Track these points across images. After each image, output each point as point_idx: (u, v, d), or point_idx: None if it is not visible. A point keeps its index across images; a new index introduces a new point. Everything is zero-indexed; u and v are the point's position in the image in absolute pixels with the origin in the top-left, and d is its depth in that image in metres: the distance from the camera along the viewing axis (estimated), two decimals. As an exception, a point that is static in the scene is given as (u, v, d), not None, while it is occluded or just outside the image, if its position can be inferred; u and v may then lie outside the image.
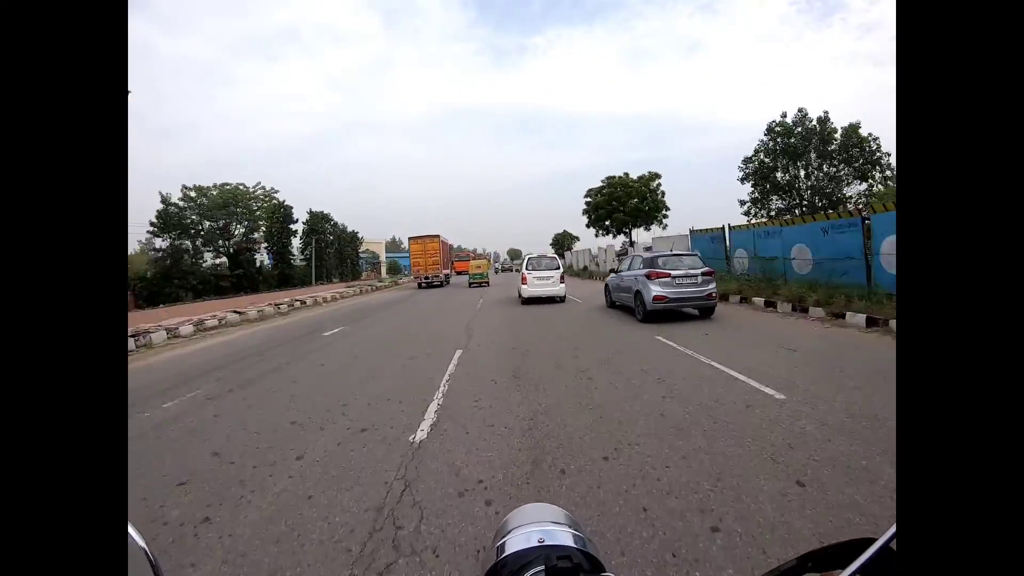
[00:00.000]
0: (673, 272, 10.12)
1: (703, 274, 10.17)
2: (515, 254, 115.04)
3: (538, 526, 0.59)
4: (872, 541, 0.44)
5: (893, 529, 0.43)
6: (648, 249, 20.71)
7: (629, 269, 11.74)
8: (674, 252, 11.51)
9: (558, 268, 15.86)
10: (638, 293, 10.55)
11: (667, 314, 10.28)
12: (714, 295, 10.21)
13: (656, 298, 9.95)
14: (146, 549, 0.48)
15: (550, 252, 23.89)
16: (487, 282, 29.06)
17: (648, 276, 10.28)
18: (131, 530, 0.48)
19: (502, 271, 61.72)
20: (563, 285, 15.45)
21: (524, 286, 15.20)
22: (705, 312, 10.42)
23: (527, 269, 15.70)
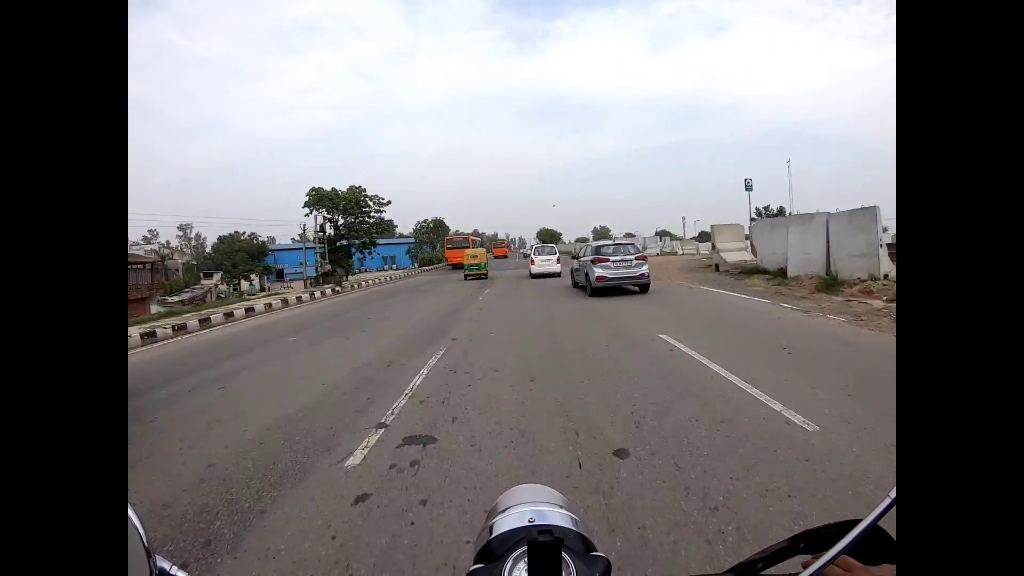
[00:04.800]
0: (612, 258, 11.74)
1: (636, 258, 11.73)
2: (550, 236, 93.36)
3: (530, 506, 0.57)
4: (859, 522, 0.42)
5: (880, 509, 0.42)
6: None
7: (584, 256, 13.24)
8: (615, 242, 13.27)
9: (555, 254, 21.47)
10: (587, 275, 12.08)
11: (611, 290, 11.74)
12: (645, 275, 11.63)
13: (599, 278, 11.48)
14: (142, 534, 0.45)
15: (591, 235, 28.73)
16: (485, 273, 22.63)
17: (593, 261, 11.78)
18: (130, 512, 0.45)
19: (525, 258, 43.34)
20: (559, 265, 20.30)
21: (532, 266, 20.81)
22: (642, 288, 11.96)
23: (534, 254, 21.96)
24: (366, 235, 34.30)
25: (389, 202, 34.85)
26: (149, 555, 0.46)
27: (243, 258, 39.15)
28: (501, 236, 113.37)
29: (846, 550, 0.42)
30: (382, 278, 29.74)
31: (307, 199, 32.46)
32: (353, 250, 33.59)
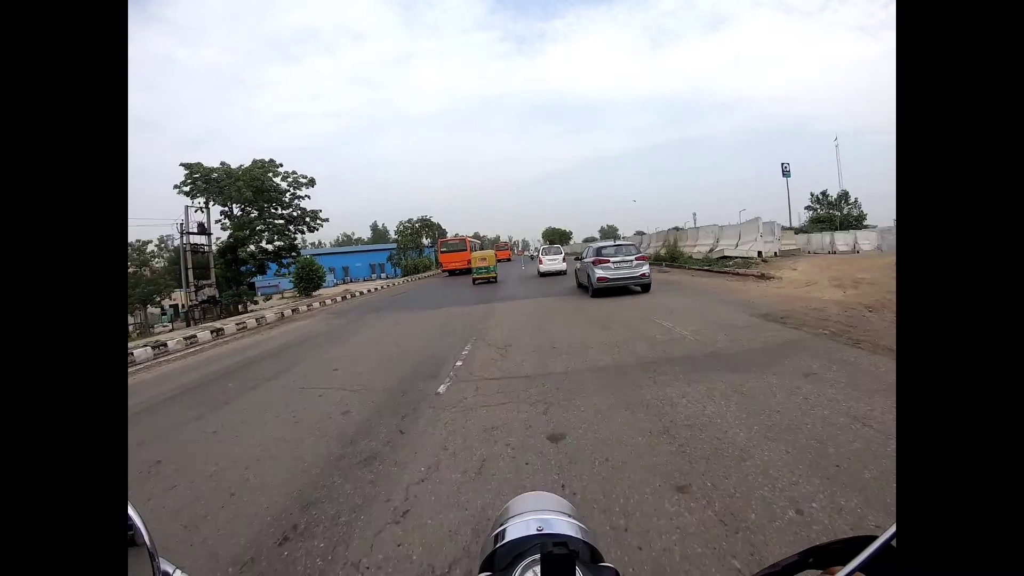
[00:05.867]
0: (612, 259, 11.74)
1: (637, 259, 11.77)
2: (560, 235, 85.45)
3: (537, 514, 0.55)
4: (875, 538, 0.41)
5: (895, 527, 0.40)
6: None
7: (586, 258, 13.15)
8: (615, 243, 13.26)
9: (561, 253, 23.46)
10: (588, 276, 12.10)
11: (613, 290, 11.66)
12: (646, 275, 11.69)
13: (600, 279, 11.51)
14: (144, 532, 0.45)
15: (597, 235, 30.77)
16: (495, 276, 20.84)
17: (594, 263, 11.81)
18: (131, 511, 0.44)
19: (532, 259, 41.42)
20: (565, 264, 22.08)
21: (541, 265, 22.17)
22: (643, 288, 11.93)
23: (542, 254, 23.55)
24: (281, 236, 21.74)
25: (312, 181, 22.07)
26: (153, 558, 0.46)
27: (140, 276, 26.49)
28: (504, 239, 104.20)
29: (861, 567, 0.41)
30: (326, 299, 19.49)
31: (181, 183, 19.34)
32: (285, 259, 22.22)
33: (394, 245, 49.67)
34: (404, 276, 37.62)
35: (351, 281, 39.95)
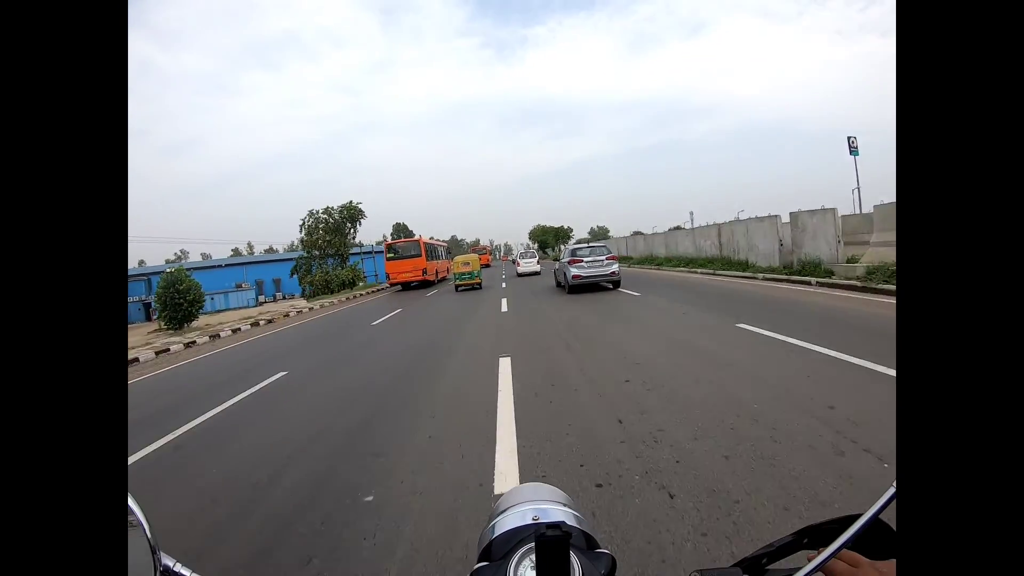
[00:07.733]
0: (586, 259, 12.82)
1: (607, 259, 12.81)
2: (552, 233, 79.38)
3: (533, 504, 0.55)
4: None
5: (880, 502, 0.41)
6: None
7: (563, 258, 14.47)
8: (589, 245, 14.24)
9: (535, 258, 27.35)
10: (565, 275, 13.25)
11: (587, 287, 12.80)
12: (616, 273, 12.78)
13: (574, 276, 12.57)
14: (146, 526, 0.44)
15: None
16: (479, 282, 19.35)
17: (570, 262, 12.94)
18: (132, 503, 0.44)
19: (513, 263, 36.61)
20: (539, 266, 25.92)
21: (518, 268, 25.68)
22: (614, 284, 13.00)
23: (519, 258, 27.36)
24: None
25: None
26: (154, 552, 0.45)
27: None
28: (484, 242, 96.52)
29: (848, 544, 0.41)
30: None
31: None
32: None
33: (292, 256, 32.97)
34: (313, 299, 24.26)
35: (283, 298, 30.40)
